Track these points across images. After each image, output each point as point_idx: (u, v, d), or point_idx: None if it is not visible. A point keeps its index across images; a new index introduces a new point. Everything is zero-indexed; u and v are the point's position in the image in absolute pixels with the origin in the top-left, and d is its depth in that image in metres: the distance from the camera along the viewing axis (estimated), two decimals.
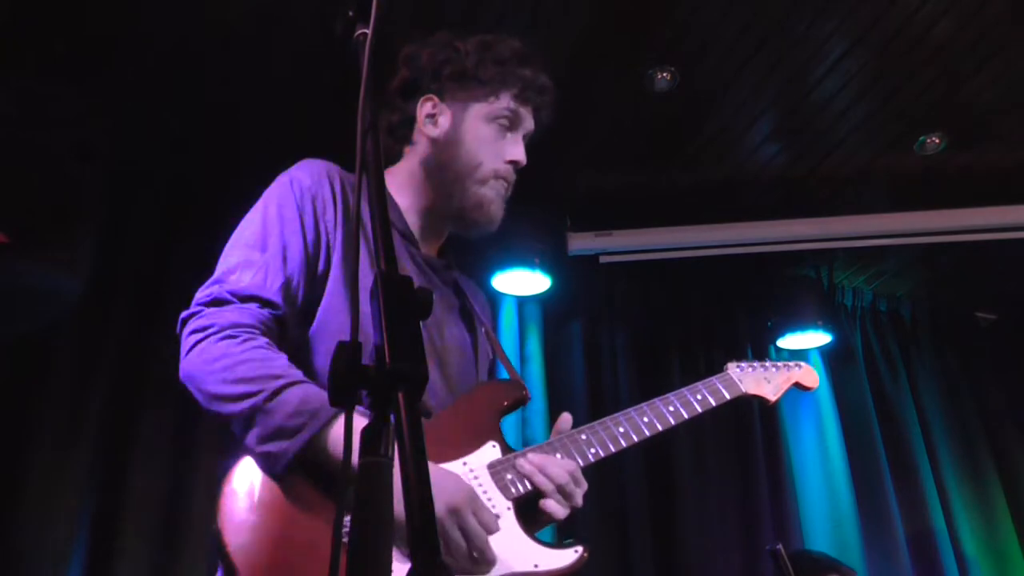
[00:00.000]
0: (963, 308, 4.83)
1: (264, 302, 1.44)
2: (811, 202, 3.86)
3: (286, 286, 1.47)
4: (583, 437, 1.65)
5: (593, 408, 3.84)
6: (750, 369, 2.12)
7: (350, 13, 1.16)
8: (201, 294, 1.46)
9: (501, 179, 1.69)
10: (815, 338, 4.13)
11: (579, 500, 1.54)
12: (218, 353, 1.37)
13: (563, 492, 1.51)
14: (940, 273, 4.45)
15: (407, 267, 1.66)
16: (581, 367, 3.93)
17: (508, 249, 3.66)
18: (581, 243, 3.87)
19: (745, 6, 2.86)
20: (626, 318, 4.14)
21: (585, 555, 1.49)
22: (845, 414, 4.23)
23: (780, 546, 2.34)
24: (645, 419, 1.75)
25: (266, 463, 1.35)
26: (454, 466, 1.51)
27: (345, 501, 0.83)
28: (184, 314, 1.45)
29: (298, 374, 1.40)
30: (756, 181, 3.77)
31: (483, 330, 1.79)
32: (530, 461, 1.53)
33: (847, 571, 3.17)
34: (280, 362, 1.40)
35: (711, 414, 4.41)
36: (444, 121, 1.71)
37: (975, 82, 3.21)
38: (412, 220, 1.73)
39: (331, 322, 1.51)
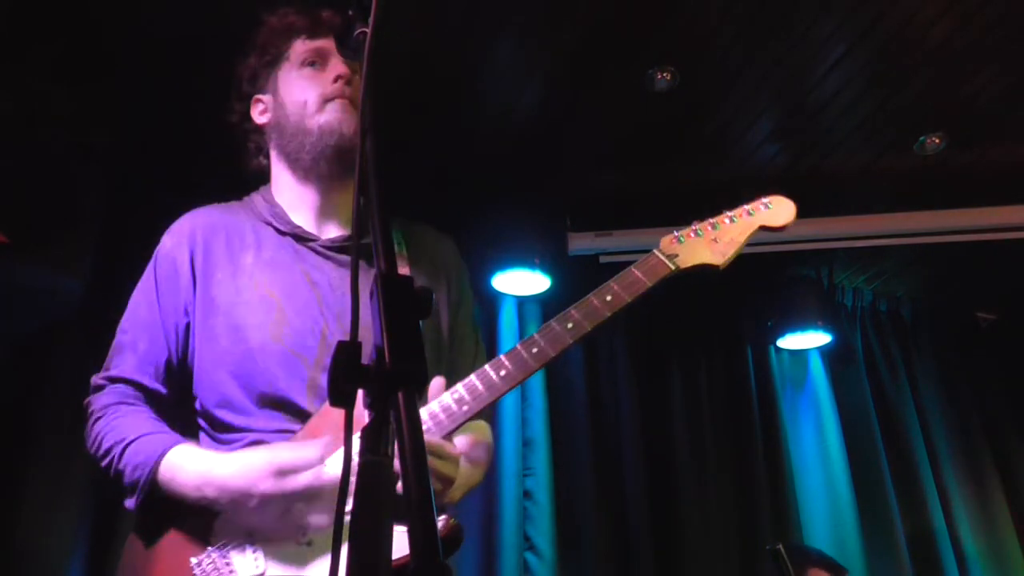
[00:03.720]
0: (963, 308, 4.82)
1: (127, 382, 1.67)
2: (811, 202, 3.85)
3: (141, 362, 1.67)
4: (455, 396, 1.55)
5: (592, 408, 3.84)
6: (692, 235, 1.73)
7: (350, 12, 1.17)
8: (91, 382, 1.72)
9: (333, 99, 1.72)
10: (815, 338, 4.13)
11: (445, 478, 1.48)
12: (93, 433, 1.63)
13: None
14: (940, 273, 4.45)
15: (307, 262, 1.69)
16: (580, 367, 3.93)
17: (508, 249, 3.65)
18: (581, 243, 3.86)
19: (745, 6, 2.86)
20: (626, 318, 4.13)
21: (452, 522, 1.41)
22: (845, 414, 4.22)
23: (780, 546, 2.34)
24: (535, 349, 1.62)
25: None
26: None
27: (343, 497, 0.83)
28: (85, 401, 1.70)
29: (139, 430, 1.57)
30: (756, 181, 3.77)
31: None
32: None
33: (840, 569, 3.16)
34: (126, 425, 1.59)
35: (710, 416, 4.36)
36: (267, 100, 1.81)
37: (975, 82, 3.21)
38: (301, 214, 1.76)
39: (206, 371, 1.65)
